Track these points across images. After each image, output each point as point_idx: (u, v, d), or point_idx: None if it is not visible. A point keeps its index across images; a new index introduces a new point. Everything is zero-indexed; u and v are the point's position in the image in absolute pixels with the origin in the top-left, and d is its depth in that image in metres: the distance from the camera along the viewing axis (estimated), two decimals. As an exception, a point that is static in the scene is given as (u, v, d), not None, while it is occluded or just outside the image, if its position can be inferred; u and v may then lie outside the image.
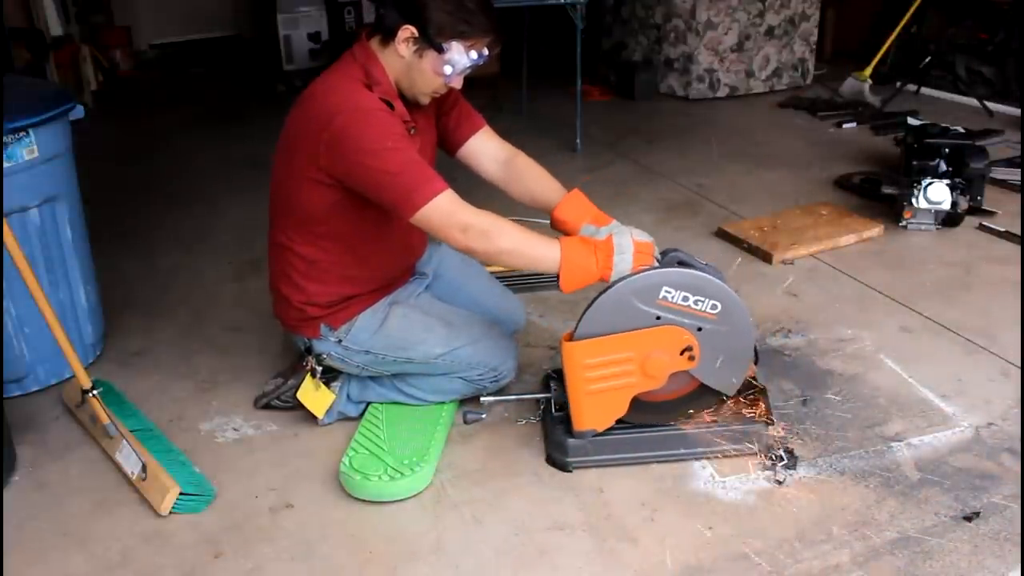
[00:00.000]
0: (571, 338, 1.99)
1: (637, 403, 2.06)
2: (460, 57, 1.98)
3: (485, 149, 2.28)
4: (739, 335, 2.03)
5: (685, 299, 1.96)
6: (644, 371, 2.00)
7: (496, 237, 1.91)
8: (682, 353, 1.99)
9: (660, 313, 1.96)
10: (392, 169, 1.89)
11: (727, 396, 2.12)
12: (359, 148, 1.90)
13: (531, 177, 2.25)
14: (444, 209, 1.89)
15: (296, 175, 2.03)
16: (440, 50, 1.96)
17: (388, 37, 1.99)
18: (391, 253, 2.24)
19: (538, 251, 1.93)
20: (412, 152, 1.92)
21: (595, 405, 2.04)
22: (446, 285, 2.40)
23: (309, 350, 2.25)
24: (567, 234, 2.15)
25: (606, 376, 2.00)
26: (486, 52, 2.02)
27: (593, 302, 1.98)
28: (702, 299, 1.96)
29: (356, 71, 2.01)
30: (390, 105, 1.99)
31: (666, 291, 1.95)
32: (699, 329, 1.99)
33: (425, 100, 2.09)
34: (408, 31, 1.96)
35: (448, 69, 1.99)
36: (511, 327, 2.46)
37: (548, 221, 2.22)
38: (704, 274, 1.97)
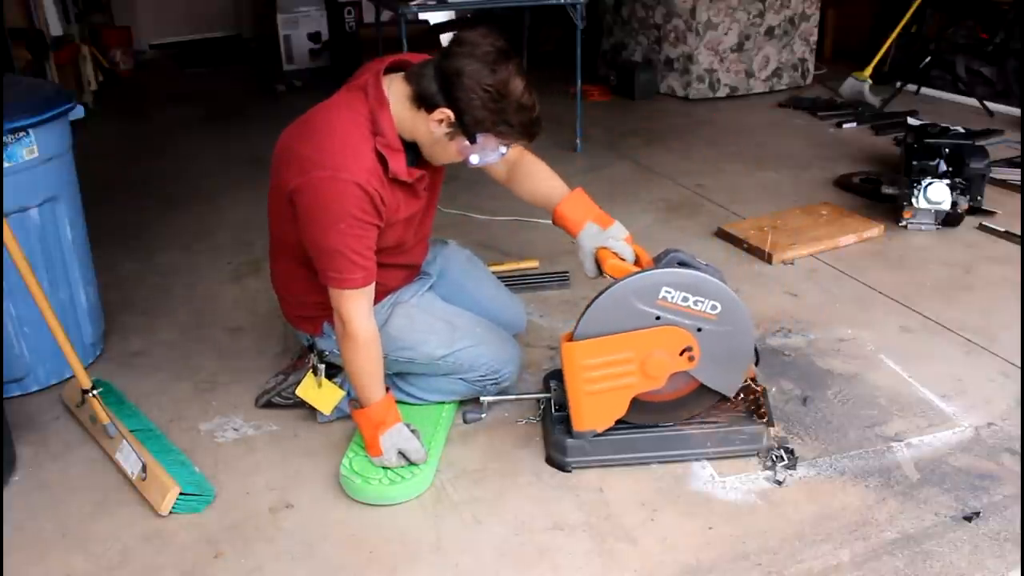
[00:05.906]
0: (571, 338, 1.99)
1: (637, 403, 2.06)
2: (491, 151, 1.95)
3: None
4: (739, 336, 2.03)
5: (685, 299, 1.96)
6: (644, 371, 2.00)
7: (355, 350, 1.98)
8: (682, 353, 2.00)
9: (660, 313, 1.97)
10: (327, 246, 1.90)
11: (727, 397, 2.12)
12: (312, 215, 1.90)
13: (536, 177, 2.23)
14: (343, 300, 1.94)
15: (279, 208, 2.01)
16: (473, 140, 1.91)
17: (422, 107, 1.90)
18: (389, 271, 2.18)
19: (361, 387, 2.03)
20: (355, 241, 1.89)
21: (595, 405, 2.03)
22: (449, 285, 2.39)
23: (311, 347, 2.25)
24: (570, 232, 2.14)
25: (606, 376, 2.00)
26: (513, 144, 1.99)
27: (592, 302, 1.98)
28: (702, 299, 1.97)
29: (363, 112, 1.91)
30: (384, 162, 1.91)
31: (666, 291, 1.95)
32: (699, 330, 1.99)
33: (435, 163, 2.06)
34: (445, 114, 1.87)
35: (475, 159, 1.97)
36: (511, 330, 2.45)
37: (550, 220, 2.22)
38: (703, 275, 1.97)
